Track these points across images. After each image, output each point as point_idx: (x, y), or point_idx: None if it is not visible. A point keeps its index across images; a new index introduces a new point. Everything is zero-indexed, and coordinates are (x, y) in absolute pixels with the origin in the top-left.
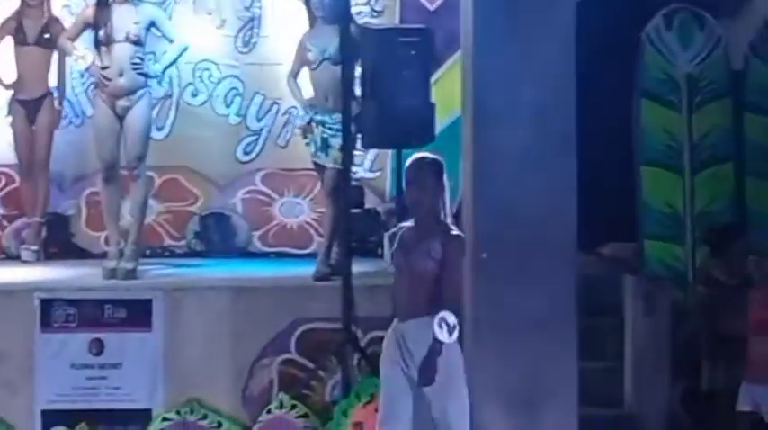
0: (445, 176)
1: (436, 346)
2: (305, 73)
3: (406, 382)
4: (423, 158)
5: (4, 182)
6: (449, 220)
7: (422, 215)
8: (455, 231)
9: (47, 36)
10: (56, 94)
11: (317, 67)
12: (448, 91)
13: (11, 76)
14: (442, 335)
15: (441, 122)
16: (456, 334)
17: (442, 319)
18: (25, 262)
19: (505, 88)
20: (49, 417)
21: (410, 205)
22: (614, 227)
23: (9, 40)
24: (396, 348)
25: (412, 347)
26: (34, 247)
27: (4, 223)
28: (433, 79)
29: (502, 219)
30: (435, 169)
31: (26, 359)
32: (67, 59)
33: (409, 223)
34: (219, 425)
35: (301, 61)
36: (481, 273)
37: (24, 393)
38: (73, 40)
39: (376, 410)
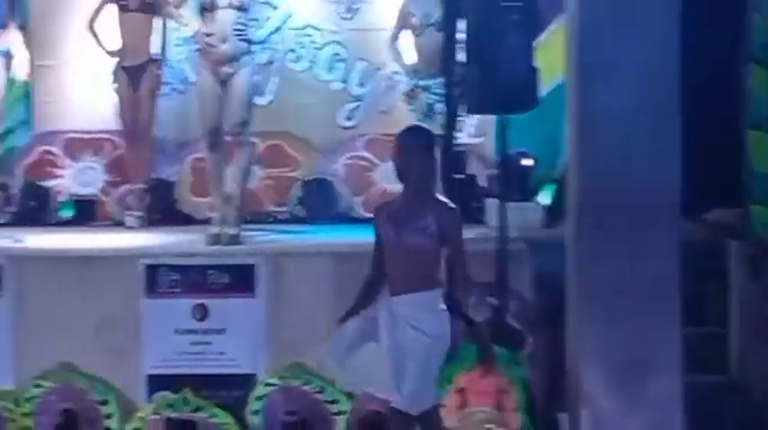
0: (436, 149)
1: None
2: (407, 38)
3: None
4: (413, 128)
5: (108, 148)
6: (438, 193)
7: (411, 186)
8: (449, 204)
9: (149, 1)
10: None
11: (421, 33)
12: (551, 55)
13: (115, 43)
14: (477, 316)
15: (544, 87)
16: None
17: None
18: (130, 228)
19: (609, 52)
20: (155, 382)
21: (399, 175)
22: (719, 192)
23: (113, 7)
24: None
25: (402, 323)
26: (138, 214)
27: (109, 189)
28: (536, 44)
29: (606, 185)
30: (425, 140)
31: (131, 325)
32: (169, 25)
33: (397, 196)
34: (322, 390)
35: (403, 26)
36: (584, 239)
37: (130, 359)
38: (178, 6)
39: (480, 376)
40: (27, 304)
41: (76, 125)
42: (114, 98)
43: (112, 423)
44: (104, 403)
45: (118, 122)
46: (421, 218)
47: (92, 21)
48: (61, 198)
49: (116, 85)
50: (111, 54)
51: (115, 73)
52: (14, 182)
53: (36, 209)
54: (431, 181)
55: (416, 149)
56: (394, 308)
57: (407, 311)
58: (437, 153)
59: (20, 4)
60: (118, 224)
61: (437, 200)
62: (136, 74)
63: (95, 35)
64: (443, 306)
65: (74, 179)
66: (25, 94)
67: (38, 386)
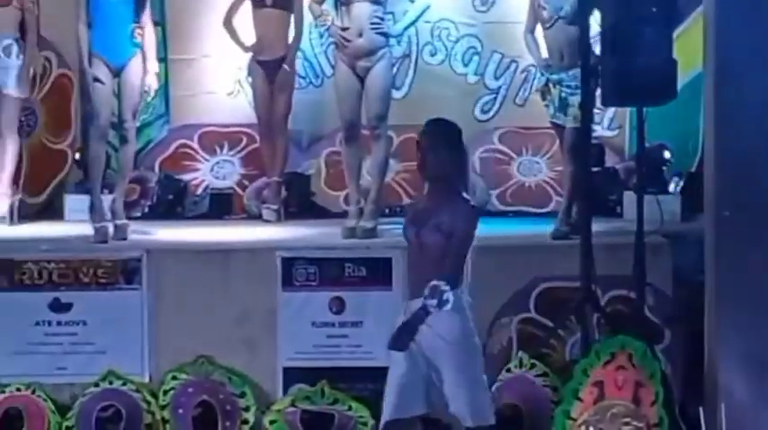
0: (461, 143)
1: (420, 313)
2: (538, 31)
3: (413, 365)
4: (438, 122)
5: (245, 142)
6: (467, 192)
7: (435, 185)
8: (467, 200)
9: None
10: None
11: (552, 25)
12: (690, 47)
13: (251, 38)
14: (432, 305)
15: (682, 79)
16: (447, 307)
17: (435, 288)
18: (266, 221)
19: (748, 43)
20: (291, 375)
21: (422, 173)
22: None
23: (248, 4)
24: None
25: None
26: (274, 206)
27: (245, 182)
28: (674, 35)
29: (744, 177)
30: (451, 135)
31: (268, 317)
32: (305, 20)
33: (422, 194)
34: None
35: (535, 19)
36: (723, 231)
37: (266, 351)
38: (318, 2)
39: (616, 369)
40: (164, 297)
41: (213, 119)
42: (250, 92)
43: (249, 415)
44: (241, 396)
45: (254, 116)
46: (437, 215)
47: (229, 18)
48: (198, 191)
49: (251, 79)
50: (247, 49)
51: (250, 67)
52: (151, 175)
53: (173, 202)
54: (452, 177)
55: (436, 143)
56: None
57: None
58: (461, 148)
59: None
60: (254, 217)
61: (458, 197)
62: (271, 68)
63: (232, 32)
64: (465, 306)
65: (210, 172)
66: (162, 89)
67: (175, 378)
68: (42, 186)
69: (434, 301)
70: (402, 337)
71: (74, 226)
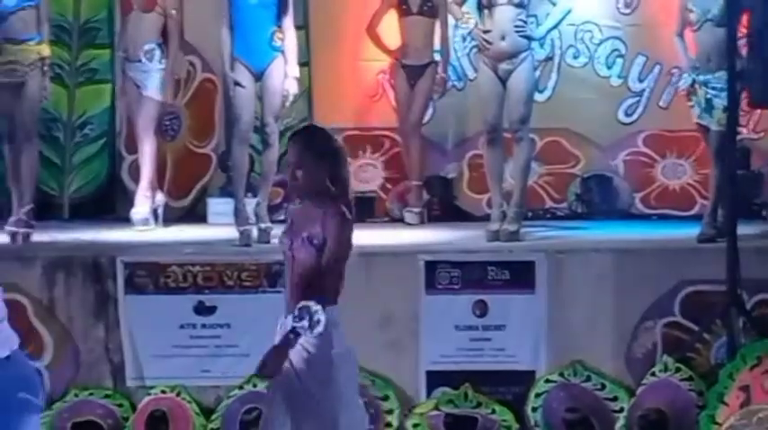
0: (335, 146)
1: (290, 337)
2: (686, 34)
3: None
4: (298, 134)
5: (387, 145)
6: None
7: (305, 195)
8: (338, 206)
9: (429, 5)
10: (439, 61)
11: (699, 27)
12: None
13: (395, 43)
14: (302, 328)
15: None
16: (319, 328)
17: (305, 309)
18: (409, 224)
19: None
20: (434, 378)
21: (294, 192)
22: None
23: (393, 13)
24: None
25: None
26: (417, 210)
27: (388, 186)
28: None
29: None
30: (311, 142)
31: (411, 320)
32: (450, 24)
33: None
34: (603, 387)
35: (684, 21)
36: None
37: (410, 354)
38: (459, 4)
39: (763, 373)
40: None
41: (356, 122)
42: (392, 95)
43: (393, 418)
44: (385, 399)
45: (396, 119)
46: (310, 227)
47: (373, 25)
48: None
49: (394, 83)
50: (392, 53)
51: (394, 71)
52: None
53: None
54: (324, 187)
55: (301, 158)
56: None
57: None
58: (327, 156)
59: (298, 4)
60: (397, 220)
61: (331, 208)
62: (415, 73)
63: (376, 38)
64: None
65: (353, 176)
66: (306, 92)
67: None
68: (186, 190)
69: (305, 323)
70: (272, 362)
71: (217, 229)
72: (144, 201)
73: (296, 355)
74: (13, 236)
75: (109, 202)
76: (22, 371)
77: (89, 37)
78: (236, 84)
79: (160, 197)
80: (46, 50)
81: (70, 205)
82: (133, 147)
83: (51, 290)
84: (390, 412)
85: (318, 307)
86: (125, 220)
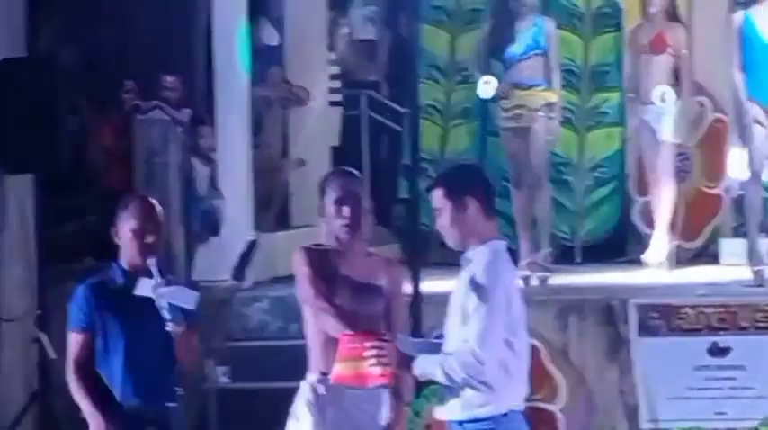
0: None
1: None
2: None
3: None
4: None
5: None
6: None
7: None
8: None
9: None
10: None
11: None
12: None
13: None
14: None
15: None
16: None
17: None
18: None
19: None
20: None
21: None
22: None
23: None
24: None
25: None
26: None
27: None
28: None
29: None
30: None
31: None
32: None
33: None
34: None
35: None
36: None
37: None
38: None
39: None
40: None
41: None
42: None
43: None
44: None
45: None
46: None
47: None
48: None
49: None
50: None
51: None
52: None
53: None
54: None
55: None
56: None
57: None
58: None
59: None
60: None
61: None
62: None
63: None
64: None
65: None
66: None
67: None
68: (697, 231)
69: None
70: None
71: (730, 270)
72: (659, 245)
73: None
74: (526, 279)
75: (620, 245)
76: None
77: (599, 80)
78: (756, 122)
79: (672, 239)
80: (553, 96)
81: (582, 248)
82: (644, 190)
83: (565, 333)
84: None
85: None
86: (636, 263)
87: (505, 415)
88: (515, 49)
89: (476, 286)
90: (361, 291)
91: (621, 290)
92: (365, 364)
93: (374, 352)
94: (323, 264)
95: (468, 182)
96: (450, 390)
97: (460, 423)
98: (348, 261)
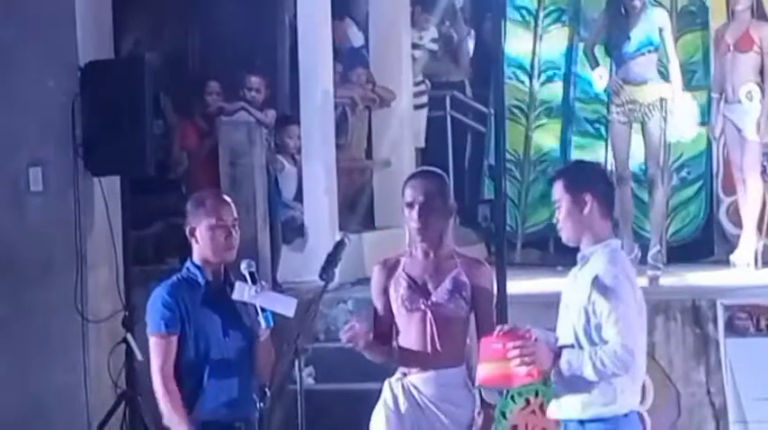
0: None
1: None
2: None
3: None
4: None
5: None
6: None
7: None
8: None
9: None
10: None
11: None
12: None
13: None
14: None
15: None
16: None
17: None
18: None
19: None
20: None
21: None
22: None
23: None
24: None
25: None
26: None
27: None
28: None
29: None
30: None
31: None
32: None
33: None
34: None
35: None
36: None
37: None
38: None
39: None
40: None
41: None
42: None
43: None
44: None
45: None
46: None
47: None
48: None
49: None
50: None
51: None
52: None
53: None
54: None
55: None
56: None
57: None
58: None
59: None
60: None
61: None
62: None
63: None
64: None
65: None
66: None
67: None
68: None
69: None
70: None
71: None
72: (747, 244)
73: None
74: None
75: (707, 245)
76: None
77: (685, 79)
78: None
79: (759, 239)
80: (667, 91)
81: (668, 248)
82: (730, 189)
83: (651, 334)
84: None
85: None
86: (723, 263)
87: (626, 415)
88: (628, 47)
89: (603, 288)
90: (445, 293)
91: (709, 290)
92: (510, 365)
93: (517, 352)
94: (403, 271)
95: (588, 178)
96: (568, 389)
97: (581, 422)
98: (429, 262)
